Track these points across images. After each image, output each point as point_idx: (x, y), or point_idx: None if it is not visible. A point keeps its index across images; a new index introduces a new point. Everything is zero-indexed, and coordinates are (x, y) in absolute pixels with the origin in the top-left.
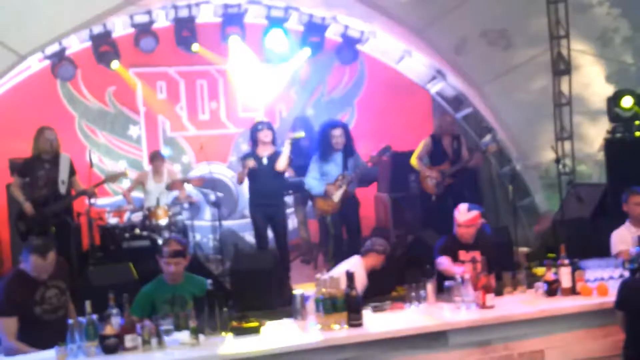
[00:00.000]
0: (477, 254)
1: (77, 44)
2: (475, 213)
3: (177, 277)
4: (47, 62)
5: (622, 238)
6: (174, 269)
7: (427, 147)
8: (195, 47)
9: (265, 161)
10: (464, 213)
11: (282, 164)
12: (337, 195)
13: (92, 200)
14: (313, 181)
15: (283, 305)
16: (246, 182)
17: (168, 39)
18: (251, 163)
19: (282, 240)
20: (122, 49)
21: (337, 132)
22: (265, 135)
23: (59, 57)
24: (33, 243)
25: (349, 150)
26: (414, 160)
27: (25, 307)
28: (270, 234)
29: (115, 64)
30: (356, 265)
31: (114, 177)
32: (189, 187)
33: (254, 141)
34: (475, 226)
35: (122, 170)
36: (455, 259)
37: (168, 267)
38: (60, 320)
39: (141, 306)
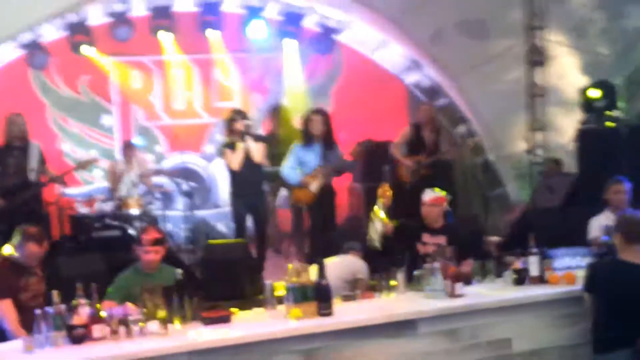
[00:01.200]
0: (442, 239)
1: (52, 33)
2: (440, 194)
3: (154, 266)
4: (21, 51)
5: (599, 225)
6: (153, 257)
7: (406, 136)
8: (162, 36)
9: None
10: (428, 193)
11: (258, 154)
12: (314, 186)
13: (62, 189)
14: (290, 170)
15: (254, 294)
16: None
17: (144, 27)
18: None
19: (262, 229)
20: (98, 37)
21: (316, 117)
22: (242, 125)
23: (33, 46)
24: (30, 231)
25: (328, 140)
26: (392, 149)
27: (13, 293)
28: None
29: (89, 50)
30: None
31: (84, 165)
32: (161, 178)
33: (231, 131)
34: (439, 207)
35: (92, 157)
36: (419, 241)
37: (147, 256)
38: (40, 308)
39: (118, 294)
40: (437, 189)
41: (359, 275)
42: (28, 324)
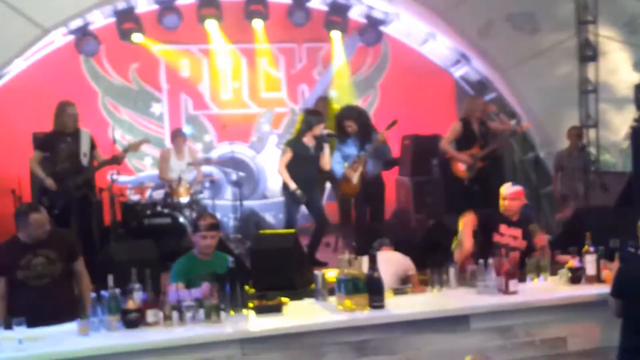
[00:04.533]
0: (518, 232)
1: (101, 19)
2: (519, 188)
3: (209, 251)
4: (71, 37)
5: None
6: (209, 242)
7: (456, 132)
8: (209, 24)
9: (312, 151)
10: (508, 187)
11: (327, 164)
12: (355, 177)
13: (114, 176)
14: (337, 165)
15: (305, 285)
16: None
17: (191, 16)
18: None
19: (322, 214)
20: (146, 25)
21: (348, 124)
22: (319, 129)
23: (83, 32)
24: (24, 205)
25: (366, 133)
26: (444, 145)
27: (9, 270)
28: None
29: (139, 37)
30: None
31: (135, 146)
32: (210, 167)
33: (308, 128)
34: (519, 200)
35: (142, 139)
36: (496, 231)
37: (204, 241)
38: (45, 289)
39: (177, 280)
40: (509, 183)
41: (410, 271)
42: (29, 302)
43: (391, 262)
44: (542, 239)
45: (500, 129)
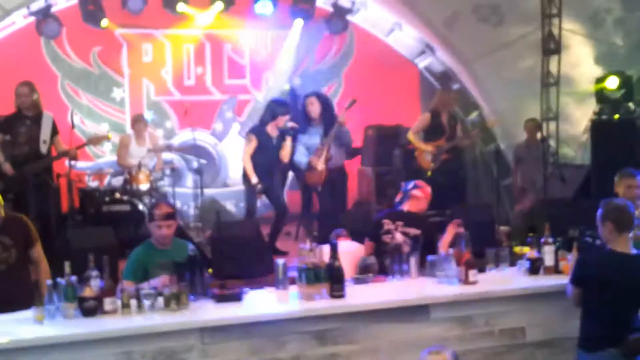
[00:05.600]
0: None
1: (63, 1)
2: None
3: (167, 241)
4: (32, 19)
5: None
6: (166, 231)
7: (424, 122)
8: (180, 7)
9: (274, 141)
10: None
11: (286, 156)
12: (320, 164)
13: (73, 163)
14: (301, 156)
15: (264, 274)
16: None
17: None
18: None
19: (282, 203)
20: (109, 8)
21: (310, 101)
22: (283, 120)
23: (45, 14)
24: None
25: (329, 121)
26: (410, 135)
27: None
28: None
29: (102, 21)
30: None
31: (96, 140)
32: (171, 154)
33: (272, 118)
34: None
35: (104, 134)
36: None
37: (160, 231)
38: (0, 276)
39: (134, 272)
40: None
41: (369, 260)
42: None
43: (347, 252)
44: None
45: (465, 143)
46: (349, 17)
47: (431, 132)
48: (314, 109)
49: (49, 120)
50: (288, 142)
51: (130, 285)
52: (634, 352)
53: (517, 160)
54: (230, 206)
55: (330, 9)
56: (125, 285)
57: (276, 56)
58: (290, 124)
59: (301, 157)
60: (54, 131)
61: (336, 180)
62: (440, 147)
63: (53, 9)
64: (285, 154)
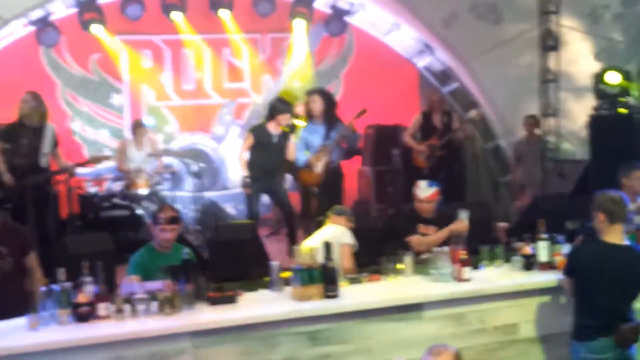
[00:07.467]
0: (433, 229)
1: (62, 10)
2: (434, 189)
3: (169, 245)
4: (32, 28)
5: None
6: (169, 235)
7: (417, 124)
8: (174, 15)
9: (275, 139)
10: (424, 189)
11: (291, 154)
12: (319, 166)
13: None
14: (299, 153)
15: (261, 276)
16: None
17: (154, 6)
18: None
19: (287, 203)
20: (108, 15)
21: (312, 98)
22: (285, 119)
23: (44, 23)
24: None
25: (331, 120)
26: (406, 137)
27: None
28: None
29: (100, 28)
30: (337, 228)
31: (97, 160)
32: (170, 159)
33: (272, 117)
34: (434, 202)
35: (105, 155)
36: (415, 232)
37: (163, 234)
38: None
39: (135, 274)
40: (425, 182)
41: (343, 239)
42: None
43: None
44: (460, 226)
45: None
46: (347, 19)
47: (425, 132)
48: (316, 106)
49: (52, 132)
50: (292, 139)
51: (136, 279)
52: (626, 340)
53: (517, 157)
54: (230, 209)
55: (329, 11)
56: (129, 279)
57: (275, 59)
58: (291, 121)
59: (299, 154)
60: (55, 143)
61: (332, 180)
62: (432, 145)
63: (52, 18)
64: (290, 152)
